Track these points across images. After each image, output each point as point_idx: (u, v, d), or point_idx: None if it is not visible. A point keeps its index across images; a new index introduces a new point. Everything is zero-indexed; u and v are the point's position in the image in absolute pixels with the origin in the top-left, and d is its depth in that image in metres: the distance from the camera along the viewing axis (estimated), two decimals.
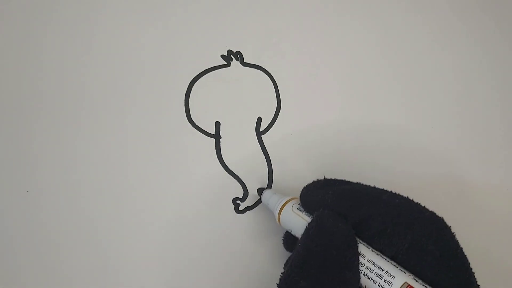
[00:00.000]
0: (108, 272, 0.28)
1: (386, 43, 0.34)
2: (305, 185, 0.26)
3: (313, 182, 0.26)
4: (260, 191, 0.29)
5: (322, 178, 0.26)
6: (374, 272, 0.22)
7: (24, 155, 0.28)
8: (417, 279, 0.21)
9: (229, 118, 0.31)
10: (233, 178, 0.30)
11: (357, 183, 0.25)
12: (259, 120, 0.31)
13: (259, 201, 0.30)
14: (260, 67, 0.32)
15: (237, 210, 0.29)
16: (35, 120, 0.29)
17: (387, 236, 0.22)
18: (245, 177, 0.30)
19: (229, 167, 0.30)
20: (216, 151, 0.30)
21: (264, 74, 0.32)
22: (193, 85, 0.31)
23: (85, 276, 0.27)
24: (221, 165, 0.30)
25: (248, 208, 0.30)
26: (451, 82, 0.34)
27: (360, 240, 0.23)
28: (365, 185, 0.25)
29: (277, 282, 0.22)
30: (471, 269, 0.22)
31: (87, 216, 0.28)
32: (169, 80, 0.31)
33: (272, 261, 0.29)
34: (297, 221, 0.25)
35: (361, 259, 0.22)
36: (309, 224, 0.23)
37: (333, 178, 0.26)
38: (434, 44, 0.34)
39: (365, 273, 0.22)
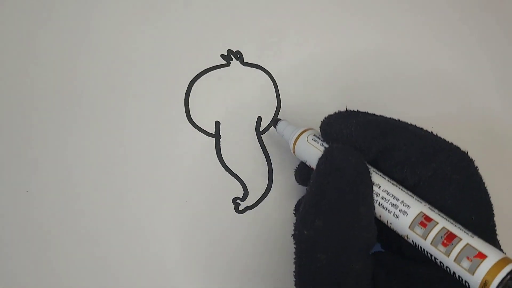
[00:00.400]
0: (108, 272, 0.28)
1: (386, 43, 0.34)
2: (327, 115, 0.25)
3: (335, 112, 0.25)
4: (275, 122, 0.28)
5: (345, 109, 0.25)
6: (389, 202, 0.22)
7: (23, 154, 0.28)
8: (433, 208, 0.21)
9: (229, 118, 0.31)
10: (233, 178, 0.30)
11: (381, 115, 0.25)
12: (259, 120, 0.31)
13: (259, 201, 0.30)
14: (260, 66, 0.32)
15: (237, 210, 0.29)
16: (34, 120, 0.29)
17: (411, 165, 0.22)
18: (245, 177, 0.30)
19: (229, 167, 0.30)
20: (216, 151, 0.30)
21: (264, 74, 0.32)
22: (193, 84, 0.31)
23: (84, 276, 0.27)
24: (221, 165, 0.30)
25: (248, 208, 0.30)
26: None
27: (377, 171, 0.23)
28: (390, 117, 0.24)
29: (292, 233, 0.22)
30: (491, 204, 0.22)
31: (87, 216, 0.28)
32: (169, 80, 0.31)
33: (272, 261, 0.29)
34: (313, 152, 0.25)
35: (376, 189, 0.22)
36: (319, 159, 0.23)
37: (356, 110, 0.25)
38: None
39: (380, 203, 0.22)
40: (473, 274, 0.18)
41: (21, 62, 0.29)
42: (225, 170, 0.30)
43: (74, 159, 0.29)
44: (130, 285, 0.28)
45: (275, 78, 0.32)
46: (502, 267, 0.18)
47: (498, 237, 0.22)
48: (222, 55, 0.32)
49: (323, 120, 0.25)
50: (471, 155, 0.23)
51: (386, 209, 0.22)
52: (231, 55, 0.32)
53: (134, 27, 0.31)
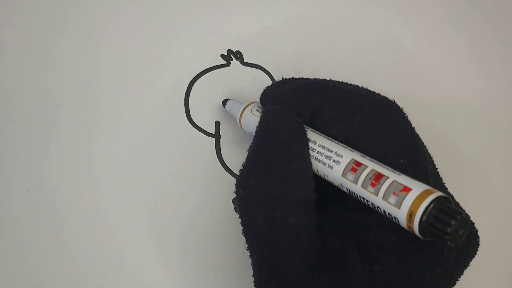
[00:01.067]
0: (108, 271, 0.28)
1: (387, 43, 0.34)
2: (265, 87, 0.26)
3: (272, 83, 0.26)
4: (224, 102, 0.29)
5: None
6: (324, 155, 0.22)
7: (23, 154, 0.28)
8: (364, 156, 0.21)
9: (229, 118, 0.31)
10: (233, 178, 0.30)
11: (312, 78, 0.25)
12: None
13: None
14: (260, 66, 0.32)
15: (237, 210, 0.29)
16: (34, 120, 0.29)
17: (339, 120, 0.23)
18: None
19: (229, 167, 0.30)
20: (216, 151, 0.30)
21: (264, 74, 0.32)
22: (193, 84, 0.31)
23: (85, 275, 0.27)
24: (221, 165, 0.30)
25: None
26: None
27: (314, 130, 0.23)
28: (321, 79, 0.25)
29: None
30: (424, 147, 0.22)
31: (87, 216, 0.28)
32: (169, 80, 0.31)
33: None
34: (256, 122, 0.25)
35: (312, 145, 0.23)
36: (258, 123, 0.24)
37: (291, 77, 0.26)
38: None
39: (316, 158, 0.23)
40: (399, 208, 0.19)
41: (21, 62, 0.29)
42: (225, 170, 0.30)
43: (74, 158, 0.29)
44: (130, 284, 0.28)
45: (275, 78, 0.32)
46: (426, 197, 0.18)
47: (498, 236, 0.22)
48: (222, 55, 0.32)
49: (262, 92, 0.26)
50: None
51: (322, 162, 0.22)
52: (231, 55, 0.32)
53: (134, 27, 0.31)
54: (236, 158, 0.30)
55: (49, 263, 0.27)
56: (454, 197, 0.22)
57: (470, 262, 0.22)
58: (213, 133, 0.30)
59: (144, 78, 0.30)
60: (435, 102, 0.34)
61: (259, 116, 0.25)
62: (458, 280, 0.22)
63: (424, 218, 0.18)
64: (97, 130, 0.29)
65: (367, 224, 0.22)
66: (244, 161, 0.23)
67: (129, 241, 0.28)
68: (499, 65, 0.35)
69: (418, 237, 0.19)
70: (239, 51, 0.32)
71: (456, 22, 0.36)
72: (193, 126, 0.30)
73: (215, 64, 0.31)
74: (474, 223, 0.23)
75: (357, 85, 0.24)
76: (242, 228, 0.23)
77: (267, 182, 0.22)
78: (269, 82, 0.32)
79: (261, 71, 0.32)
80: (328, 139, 0.23)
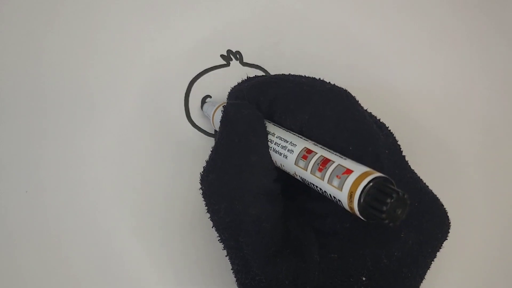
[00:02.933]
0: (108, 272, 0.28)
1: (387, 43, 0.34)
2: (232, 86, 0.27)
3: (238, 82, 0.27)
4: (202, 103, 0.30)
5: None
6: (280, 145, 0.23)
7: (23, 155, 0.28)
8: (317, 144, 0.22)
9: None
10: None
11: (273, 74, 0.26)
12: None
13: None
14: (260, 67, 0.32)
15: None
16: (34, 119, 0.29)
17: (291, 112, 0.23)
18: None
19: None
20: None
21: (264, 73, 0.32)
22: (193, 84, 0.31)
23: (84, 275, 0.27)
24: None
25: None
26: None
27: (275, 124, 0.24)
28: (280, 74, 0.26)
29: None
30: (377, 132, 0.23)
31: (87, 216, 0.28)
32: (169, 80, 0.31)
33: None
34: None
35: (271, 137, 0.23)
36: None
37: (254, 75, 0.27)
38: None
39: (274, 149, 0.23)
40: (341, 190, 0.19)
41: (21, 62, 0.29)
42: None
43: (74, 158, 0.29)
44: (128, 284, 0.28)
45: None
46: (364, 178, 0.18)
47: (498, 236, 0.22)
48: (222, 55, 0.32)
49: (229, 91, 0.27)
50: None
51: (278, 152, 0.23)
52: (231, 55, 0.32)
53: (134, 27, 0.31)
54: None
55: (49, 263, 0.27)
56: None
57: (443, 245, 0.22)
58: (213, 133, 0.30)
59: (144, 78, 0.30)
60: (435, 101, 0.34)
61: None
62: (430, 263, 0.22)
63: (362, 198, 0.18)
64: (96, 131, 0.29)
65: (324, 212, 0.23)
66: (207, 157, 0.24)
67: (129, 241, 0.28)
68: (501, 65, 0.36)
69: (370, 223, 0.19)
70: (238, 51, 0.32)
71: (459, 22, 0.36)
72: (193, 126, 0.30)
73: (215, 64, 0.31)
74: (443, 205, 0.23)
75: (313, 77, 0.25)
76: (211, 221, 0.23)
77: (226, 174, 0.22)
78: None
79: (261, 71, 0.32)
80: (287, 131, 0.23)
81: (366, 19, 0.34)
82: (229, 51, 0.32)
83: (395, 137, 0.24)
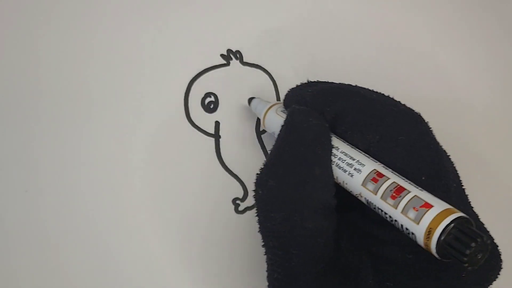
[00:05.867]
0: (108, 272, 0.28)
1: (387, 42, 0.34)
2: (290, 88, 0.26)
3: (297, 85, 0.26)
4: (249, 100, 0.29)
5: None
6: (345, 162, 0.22)
7: (23, 154, 0.28)
8: (387, 168, 0.21)
9: (229, 118, 0.31)
10: (233, 178, 0.30)
11: (337, 82, 0.25)
12: (259, 120, 0.31)
13: None
14: (260, 66, 0.32)
15: (237, 210, 0.29)
16: (33, 119, 0.29)
17: (360, 130, 0.22)
18: (245, 177, 0.30)
19: (229, 167, 0.30)
20: (216, 151, 0.30)
21: (264, 73, 0.32)
22: (192, 84, 0.31)
23: (84, 276, 0.27)
24: (221, 165, 0.30)
25: (248, 208, 0.30)
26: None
27: (337, 136, 0.23)
28: (347, 84, 0.24)
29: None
30: (448, 162, 0.22)
31: (87, 216, 0.28)
32: (168, 80, 0.31)
33: None
34: (280, 122, 0.24)
35: (335, 151, 0.22)
36: (283, 122, 0.23)
37: (316, 80, 0.26)
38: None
39: (337, 164, 0.22)
40: (418, 223, 0.18)
41: (21, 62, 0.29)
42: (225, 170, 0.30)
43: (74, 158, 0.29)
44: (129, 285, 0.28)
45: (275, 78, 0.32)
46: (447, 216, 0.18)
47: (499, 236, 0.22)
48: (222, 55, 0.32)
49: (286, 93, 0.26)
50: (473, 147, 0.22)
51: (342, 169, 0.22)
52: (231, 55, 0.32)
53: (133, 27, 0.31)
54: (236, 158, 0.30)
55: (49, 262, 0.27)
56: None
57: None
58: (213, 133, 0.30)
59: (144, 78, 0.30)
60: (446, 103, 0.34)
61: (284, 117, 0.24)
62: None
63: (443, 237, 0.17)
64: (96, 131, 0.29)
65: (383, 237, 0.22)
66: (266, 159, 0.23)
67: (129, 241, 0.28)
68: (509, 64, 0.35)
69: (434, 257, 0.18)
70: (239, 50, 0.32)
71: (464, 21, 0.36)
72: (193, 126, 0.30)
73: (215, 64, 0.31)
74: (497, 246, 0.22)
75: (383, 94, 0.24)
76: (259, 226, 0.22)
77: (287, 184, 0.21)
78: (268, 82, 0.32)
79: (261, 71, 0.32)
80: (352, 147, 0.22)
81: (367, 17, 0.34)
82: (229, 51, 0.32)
83: (455, 167, 0.23)
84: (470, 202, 0.23)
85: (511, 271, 0.22)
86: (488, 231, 0.22)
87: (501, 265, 0.22)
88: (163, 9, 0.32)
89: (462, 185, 0.23)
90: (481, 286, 0.21)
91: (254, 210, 0.29)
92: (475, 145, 0.33)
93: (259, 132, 0.31)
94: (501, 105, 0.35)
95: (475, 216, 0.22)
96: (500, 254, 0.22)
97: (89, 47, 0.30)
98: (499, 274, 0.22)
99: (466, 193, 0.23)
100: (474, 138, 0.33)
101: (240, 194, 0.30)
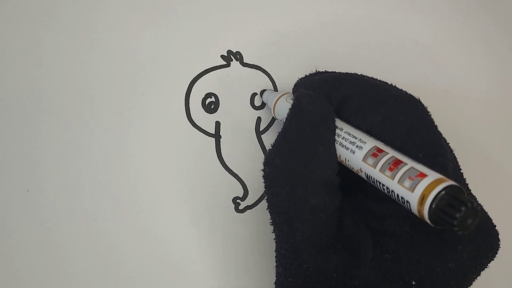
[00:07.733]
0: (109, 272, 0.28)
1: (387, 43, 0.34)
2: (299, 78, 0.27)
3: (306, 75, 0.28)
4: (262, 92, 0.31)
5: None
6: (348, 141, 0.23)
7: (24, 154, 0.28)
8: (387, 145, 0.22)
9: (229, 118, 0.31)
10: (233, 177, 0.30)
11: (345, 72, 0.26)
12: (259, 120, 0.31)
13: (259, 200, 0.30)
14: (260, 67, 0.32)
15: (237, 210, 0.29)
16: (35, 119, 0.29)
17: (363, 112, 0.24)
18: (245, 177, 0.30)
19: (229, 166, 0.30)
20: (216, 151, 0.30)
21: (264, 74, 0.32)
22: (193, 85, 0.31)
23: (85, 275, 0.27)
24: (221, 165, 0.30)
25: (248, 208, 0.30)
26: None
27: (341, 119, 0.25)
28: (352, 73, 0.26)
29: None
30: (445, 144, 0.23)
31: (87, 216, 0.28)
32: (169, 80, 0.31)
33: (272, 261, 0.29)
34: (289, 108, 0.25)
35: (338, 131, 0.24)
36: (291, 105, 0.24)
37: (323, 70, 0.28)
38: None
39: (341, 143, 0.23)
40: (413, 191, 0.19)
41: (22, 62, 0.29)
42: (225, 170, 0.30)
43: (74, 158, 0.29)
44: (131, 284, 0.28)
45: (274, 79, 0.32)
46: (439, 184, 0.19)
47: (499, 236, 0.22)
48: (222, 56, 0.32)
49: (295, 82, 0.27)
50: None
51: (345, 147, 0.23)
52: (231, 56, 0.32)
53: (134, 27, 0.31)
54: (236, 158, 0.30)
55: (50, 261, 0.27)
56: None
57: (488, 265, 0.22)
58: (213, 133, 0.30)
59: (144, 78, 0.30)
60: (446, 103, 0.34)
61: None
62: (474, 280, 0.23)
63: (434, 203, 0.18)
64: (97, 131, 0.29)
65: (383, 213, 0.23)
66: (274, 141, 0.24)
67: (128, 241, 0.28)
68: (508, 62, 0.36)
69: (431, 230, 0.19)
70: (239, 51, 0.32)
71: (464, 21, 0.36)
72: (193, 126, 0.30)
73: (215, 65, 0.31)
74: (495, 226, 0.23)
75: (385, 82, 0.25)
76: (267, 202, 0.24)
77: (292, 161, 0.22)
78: (268, 83, 0.32)
79: (261, 72, 0.32)
80: (355, 129, 0.24)
81: (367, 18, 0.34)
82: (229, 52, 0.32)
83: (453, 152, 0.25)
84: (468, 184, 0.24)
85: (510, 266, 0.22)
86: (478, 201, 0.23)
87: (498, 244, 0.23)
88: (164, 11, 0.32)
89: (460, 169, 0.24)
90: (478, 261, 0.22)
91: (254, 210, 0.30)
92: (475, 144, 0.33)
93: (259, 132, 0.31)
94: (500, 102, 0.35)
95: (472, 197, 0.23)
96: (498, 234, 0.23)
97: (91, 48, 0.30)
98: (496, 253, 0.23)
99: (464, 178, 0.24)
100: (474, 138, 0.33)
101: (240, 193, 0.30)
